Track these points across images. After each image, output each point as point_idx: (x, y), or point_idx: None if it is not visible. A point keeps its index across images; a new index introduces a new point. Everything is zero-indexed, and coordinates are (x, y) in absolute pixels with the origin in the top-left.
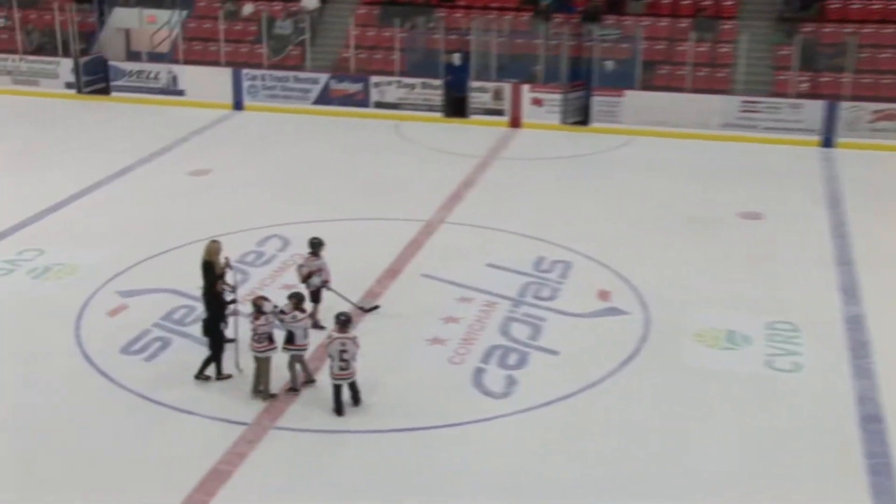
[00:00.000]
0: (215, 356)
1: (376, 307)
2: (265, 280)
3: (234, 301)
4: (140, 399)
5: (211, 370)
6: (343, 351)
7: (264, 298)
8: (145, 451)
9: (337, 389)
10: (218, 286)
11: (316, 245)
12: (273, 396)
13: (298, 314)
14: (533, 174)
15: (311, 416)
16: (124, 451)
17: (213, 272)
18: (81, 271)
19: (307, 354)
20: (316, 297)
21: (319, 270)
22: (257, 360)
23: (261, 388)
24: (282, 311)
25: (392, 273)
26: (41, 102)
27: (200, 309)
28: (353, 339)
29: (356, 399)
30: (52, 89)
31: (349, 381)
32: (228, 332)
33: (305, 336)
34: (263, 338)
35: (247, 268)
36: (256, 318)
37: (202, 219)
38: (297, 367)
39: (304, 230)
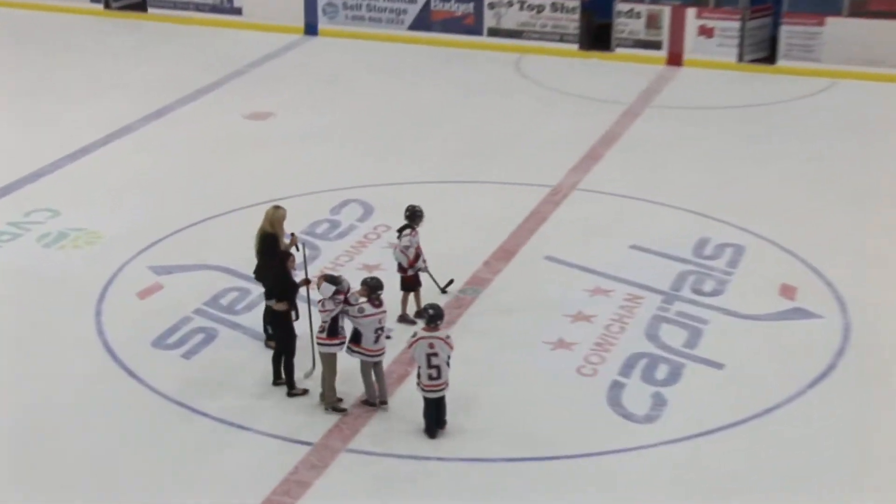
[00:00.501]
0: (285, 360)
1: (450, 282)
2: (339, 258)
3: (306, 281)
4: (176, 407)
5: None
6: (432, 354)
7: (332, 276)
8: (182, 475)
9: (428, 405)
10: (288, 264)
11: (417, 216)
12: (341, 410)
13: (367, 307)
14: (696, 128)
15: (392, 437)
16: (155, 473)
17: (273, 248)
18: (104, 240)
19: (385, 363)
20: (413, 285)
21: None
22: (320, 356)
23: (325, 395)
24: (345, 299)
25: (505, 254)
26: (60, 20)
27: (256, 292)
28: (445, 339)
29: (440, 419)
30: (74, 3)
31: (442, 393)
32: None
33: (377, 340)
34: (326, 327)
35: (316, 241)
36: (321, 300)
37: (260, 176)
38: (373, 376)
39: (392, 194)
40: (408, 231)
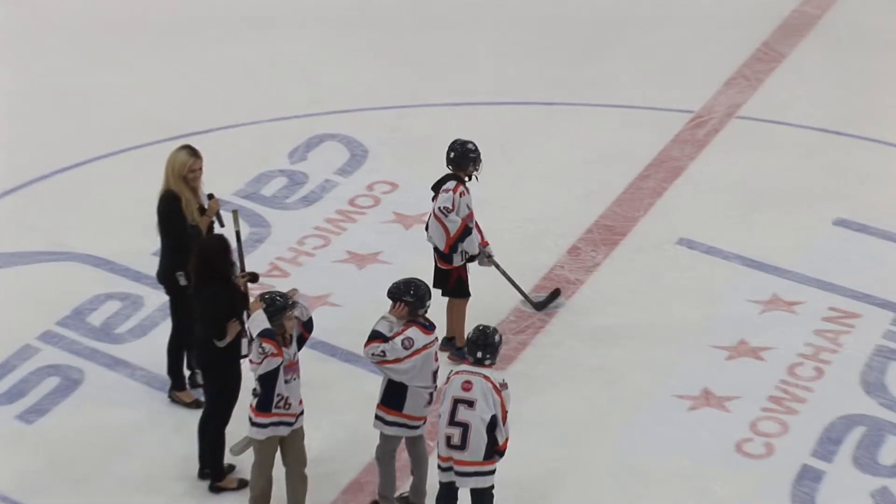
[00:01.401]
0: (214, 429)
1: (556, 294)
2: (304, 242)
3: (251, 277)
4: None
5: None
6: (462, 403)
7: (276, 297)
8: None
9: (441, 496)
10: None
11: (469, 158)
12: None
13: (416, 333)
14: None
15: None
16: None
17: (175, 221)
18: None
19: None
20: (461, 286)
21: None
22: (250, 442)
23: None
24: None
25: (609, 232)
26: None
27: (157, 302)
28: (496, 386)
29: None
30: None
31: (469, 479)
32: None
33: (431, 397)
34: (259, 393)
35: (261, 210)
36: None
37: (168, 89)
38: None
39: (409, 123)
40: (451, 185)
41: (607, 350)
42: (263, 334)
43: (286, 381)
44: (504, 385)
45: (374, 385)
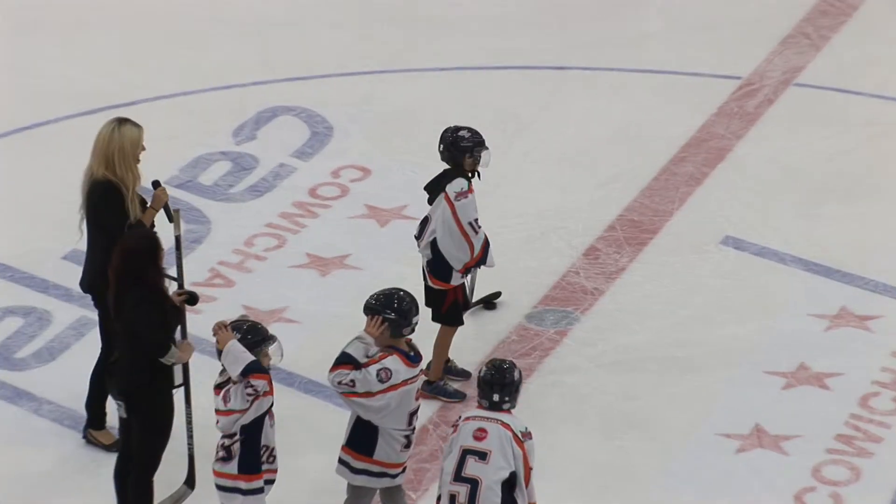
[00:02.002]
0: (138, 475)
1: (496, 295)
2: (253, 243)
3: (189, 297)
4: None
5: None
6: (472, 454)
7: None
8: None
9: None
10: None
11: (465, 147)
12: None
13: (396, 364)
14: None
15: None
16: None
17: (115, 217)
18: None
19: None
20: (456, 313)
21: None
22: None
23: None
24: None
25: (637, 229)
26: None
27: (70, 318)
28: (517, 436)
29: None
30: None
31: None
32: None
33: (408, 441)
34: (232, 447)
35: (199, 202)
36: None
37: (88, 54)
38: None
39: (384, 93)
40: (462, 184)
41: (634, 377)
42: (252, 369)
43: (270, 426)
44: (528, 434)
45: (342, 421)
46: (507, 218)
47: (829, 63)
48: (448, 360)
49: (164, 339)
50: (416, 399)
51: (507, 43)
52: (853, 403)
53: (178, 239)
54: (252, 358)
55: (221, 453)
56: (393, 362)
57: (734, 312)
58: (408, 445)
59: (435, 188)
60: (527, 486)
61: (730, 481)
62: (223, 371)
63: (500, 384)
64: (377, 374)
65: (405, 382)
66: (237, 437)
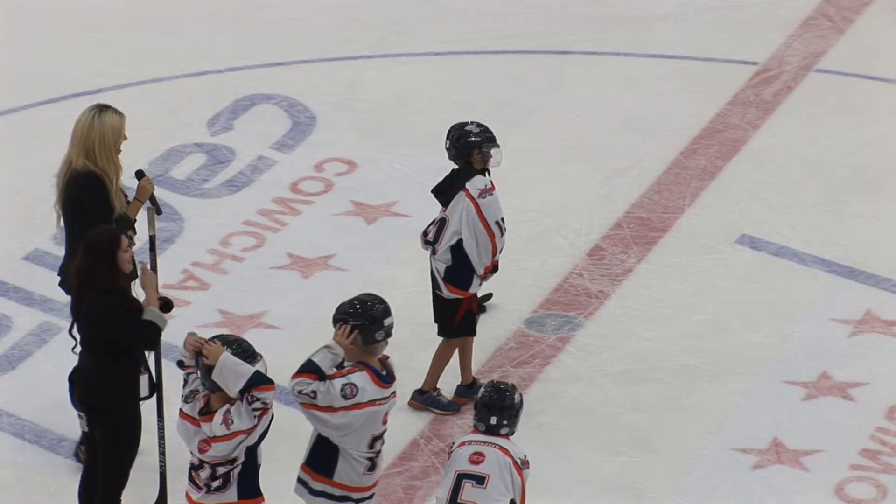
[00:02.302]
0: (107, 490)
1: (487, 297)
2: (229, 242)
3: (164, 303)
4: None
5: None
6: (470, 479)
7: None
8: None
9: None
10: (121, 259)
11: (471, 143)
12: None
13: (363, 382)
14: None
15: None
16: None
17: (99, 208)
18: None
19: None
20: (469, 323)
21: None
22: None
23: None
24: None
25: (645, 228)
26: None
27: (31, 324)
28: (516, 463)
29: None
30: None
31: None
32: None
33: (373, 464)
34: (221, 471)
35: (170, 197)
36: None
37: (53, 37)
38: None
39: (384, 77)
40: (485, 181)
41: (642, 388)
42: (258, 381)
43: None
44: (526, 463)
45: None
46: (504, 215)
47: (853, 47)
48: (436, 390)
49: (143, 329)
50: (384, 423)
51: (504, 25)
52: (879, 416)
53: (152, 239)
54: (254, 369)
55: (216, 483)
56: (361, 378)
57: (750, 318)
58: (372, 468)
59: (448, 189)
60: None
61: (746, 500)
62: (192, 394)
63: (498, 407)
64: (342, 389)
65: (372, 403)
66: (238, 461)
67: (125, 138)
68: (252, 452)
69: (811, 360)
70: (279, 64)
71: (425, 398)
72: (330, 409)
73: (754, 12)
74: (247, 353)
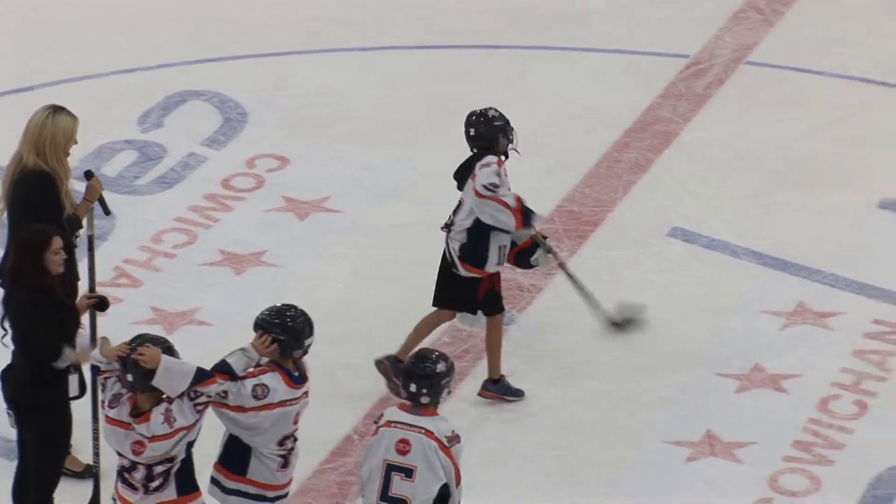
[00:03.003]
0: (39, 487)
1: (637, 311)
2: (162, 240)
3: (100, 302)
4: None
5: None
6: (397, 470)
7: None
8: None
9: None
10: (48, 259)
11: (502, 126)
12: None
13: (275, 384)
14: None
15: None
16: None
17: (48, 208)
18: None
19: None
20: (495, 300)
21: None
22: None
23: None
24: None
25: (576, 221)
26: None
27: None
28: (442, 444)
29: None
30: None
31: None
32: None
33: (286, 462)
34: (167, 473)
35: (109, 196)
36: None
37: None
38: None
39: (317, 71)
40: (490, 157)
41: (575, 382)
42: (202, 377)
43: None
44: (454, 438)
45: None
46: (437, 210)
47: (784, 40)
48: (501, 376)
49: (52, 342)
50: (295, 423)
51: (435, 20)
52: (811, 407)
53: (90, 238)
54: (195, 366)
55: (155, 483)
56: (272, 379)
57: (682, 311)
58: (285, 465)
59: (462, 175)
60: (457, 488)
61: (680, 492)
62: (115, 397)
63: (418, 375)
64: (252, 390)
65: (283, 403)
66: (178, 458)
67: (76, 142)
68: (190, 448)
69: (743, 353)
70: (210, 60)
71: (499, 387)
72: (241, 409)
73: (684, 5)
74: (172, 349)
